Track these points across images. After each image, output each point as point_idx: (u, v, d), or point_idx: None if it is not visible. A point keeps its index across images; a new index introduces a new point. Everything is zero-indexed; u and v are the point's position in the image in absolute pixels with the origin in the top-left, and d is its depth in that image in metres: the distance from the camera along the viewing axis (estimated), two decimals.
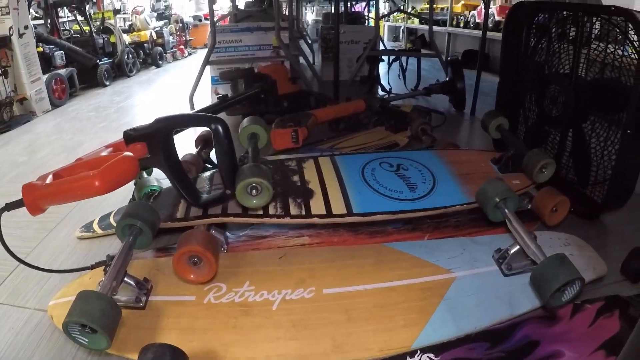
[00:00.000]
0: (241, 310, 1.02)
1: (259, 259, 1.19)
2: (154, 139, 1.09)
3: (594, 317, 1.00)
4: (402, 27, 8.26)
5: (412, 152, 1.48)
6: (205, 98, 3.26)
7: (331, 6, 7.16)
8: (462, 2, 5.82)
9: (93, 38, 4.55)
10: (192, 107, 3.07)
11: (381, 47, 4.65)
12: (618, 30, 1.32)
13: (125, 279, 1.00)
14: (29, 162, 2.32)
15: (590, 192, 1.50)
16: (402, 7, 7.13)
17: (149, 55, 5.94)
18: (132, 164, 1.01)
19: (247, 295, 1.05)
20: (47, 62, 3.77)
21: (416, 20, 7.35)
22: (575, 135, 1.53)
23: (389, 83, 3.64)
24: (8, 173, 2.15)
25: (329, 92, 2.81)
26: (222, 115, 2.31)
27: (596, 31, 1.44)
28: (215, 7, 3.38)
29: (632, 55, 1.25)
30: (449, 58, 3.40)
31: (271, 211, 1.16)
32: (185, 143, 1.74)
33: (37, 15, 4.67)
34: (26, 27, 3.25)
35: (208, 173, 1.38)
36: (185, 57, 7.28)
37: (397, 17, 8.43)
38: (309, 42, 6.01)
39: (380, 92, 3.54)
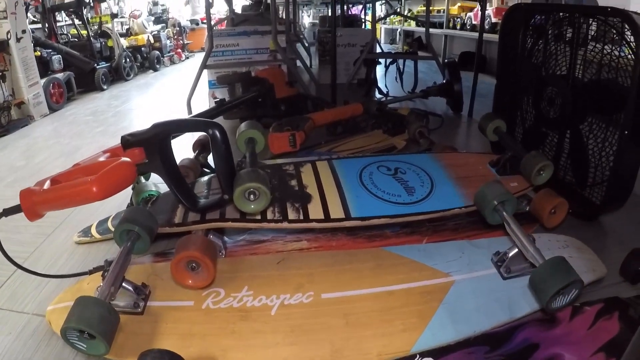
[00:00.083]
0: (240, 316, 1.01)
1: (257, 263, 1.19)
2: (152, 144, 1.09)
3: (594, 319, 1.00)
4: (399, 30, 8.28)
5: (409, 156, 1.48)
6: (202, 102, 3.26)
7: (328, 9, 7.17)
8: (459, 4, 5.84)
9: (90, 42, 4.55)
10: (190, 111, 3.08)
11: (378, 50, 4.66)
12: (614, 31, 1.32)
13: (124, 284, 1.00)
14: (26, 166, 2.31)
15: (588, 194, 1.50)
16: (398, 10, 7.13)
17: (147, 59, 5.94)
18: (130, 169, 1.01)
19: (245, 300, 1.05)
20: (44, 66, 3.77)
21: (413, 23, 7.37)
22: (573, 137, 1.53)
23: (386, 86, 3.64)
24: (6, 177, 2.14)
25: (327, 95, 2.81)
26: (220, 119, 2.32)
27: (593, 32, 1.44)
28: (212, 10, 3.39)
29: (629, 56, 1.25)
30: (445, 60, 3.40)
31: (269, 216, 1.15)
32: (182, 147, 1.74)
33: (35, 19, 4.66)
34: (24, 32, 3.24)
35: (206, 178, 1.37)
36: (183, 60, 7.28)
37: (394, 20, 8.45)
38: (306, 45, 6.01)
39: (378, 95, 3.54)
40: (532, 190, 1.36)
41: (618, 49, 1.31)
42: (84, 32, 4.67)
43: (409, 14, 7.41)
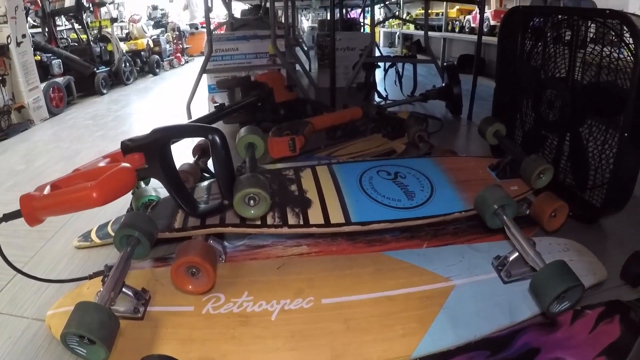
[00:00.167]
0: (240, 321, 1.01)
1: (257, 268, 1.19)
2: (152, 150, 1.09)
3: (595, 323, 0.99)
4: (398, 33, 8.31)
5: (409, 160, 1.48)
6: (202, 106, 3.26)
7: (327, 13, 7.19)
8: (457, 7, 5.85)
9: (90, 46, 4.56)
10: (190, 115, 3.08)
11: (377, 53, 4.66)
12: (613, 33, 1.32)
13: (123, 289, 1.00)
14: (26, 170, 2.31)
15: (588, 196, 1.50)
16: (397, 14, 7.14)
17: (146, 63, 5.95)
18: (130, 175, 1.01)
19: (245, 305, 1.05)
20: (44, 71, 3.78)
21: (412, 26, 7.40)
22: (573, 139, 1.53)
23: (385, 89, 3.65)
24: (5, 182, 2.14)
25: (326, 99, 2.81)
26: (219, 123, 2.32)
27: (591, 34, 1.44)
28: (211, 15, 3.39)
29: (628, 58, 1.25)
30: (444, 63, 3.40)
31: (269, 221, 1.15)
32: (182, 152, 1.74)
33: (35, 23, 4.67)
34: (24, 36, 3.25)
35: (206, 183, 1.37)
36: (182, 65, 7.30)
37: (393, 23, 8.46)
38: (305, 49, 6.02)
39: (377, 99, 3.54)
40: (532, 193, 1.36)
41: (617, 50, 1.31)
42: (83, 37, 4.68)
43: (407, 18, 7.42)
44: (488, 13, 4.56)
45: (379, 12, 8.26)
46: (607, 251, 1.35)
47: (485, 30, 4.43)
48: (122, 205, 1.51)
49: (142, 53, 5.84)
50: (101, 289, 0.96)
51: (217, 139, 1.07)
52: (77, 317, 0.83)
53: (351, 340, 0.96)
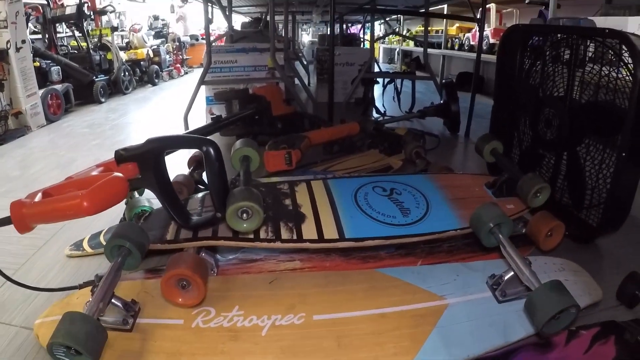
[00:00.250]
0: (229, 335, 0.99)
1: (249, 283, 1.17)
2: (145, 160, 1.08)
3: (590, 344, 0.99)
4: (397, 50, 8.36)
5: (405, 176, 1.47)
6: (200, 118, 3.26)
7: (327, 28, 7.22)
8: (457, 24, 5.89)
9: (90, 54, 4.58)
10: (187, 126, 3.07)
11: (376, 69, 4.68)
12: (612, 53, 1.32)
13: (113, 300, 0.98)
14: (21, 177, 2.30)
15: (585, 216, 1.49)
16: (397, 30, 7.19)
17: (145, 73, 5.96)
18: (122, 184, 1.00)
19: (236, 320, 1.03)
20: (43, 77, 3.79)
21: (411, 43, 7.44)
22: (570, 159, 1.53)
23: (383, 105, 3.66)
24: (0, 187, 2.13)
25: (324, 114, 2.82)
26: (216, 135, 2.32)
27: (590, 54, 1.45)
28: (211, 27, 3.40)
29: (627, 77, 1.25)
30: (443, 81, 3.41)
31: (262, 235, 1.14)
32: (178, 164, 1.73)
33: (36, 30, 4.69)
34: (23, 42, 3.26)
35: (200, 195, 1.36)
36: (182, 76, 7.32)
37: (392, 40, 8.52)
38: (305, 63, 6.05)
39: (375, 115, 3.55)
40: (528, 212, 1.36)
41: (616, 70, 1.31)
42: (83, 44, 4.70)
43: (407, 34, 7.47)
44: (487, 31, 4.59)
45: (379, 28, 8.32)
46: (603, 271, 1.35)
47: (485, 48, 4.46)
48: (115, 215, 1.50)
49: (142, 63, 5.86)
50: (90, 299, 0.95)
51: (211, 150, 1.06)
52: (64, 328, 0.82)
53: (342, 358, 0.94)
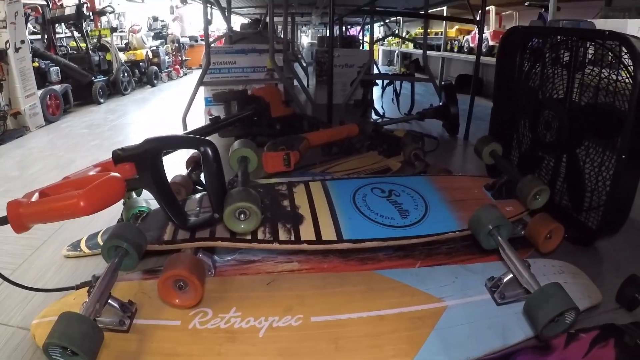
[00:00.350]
0: (227, 337, 0.99)
1: (246, 284, 1.17)
2: (143, 160, 1.08)
3: (589, 347, 0.98)
4: (397, 52, 8.37)
5: (404, 178, 1.47)
6: (198, 119, 3.26)
7: (326, 30, 7.23)
8: (456, 27, 5.90)
9: (89, 55, 4.57)
10: (185, 127, 3.07)
11: (375, 71, 4.68)
12: (612, 55, 1.32)
13: (109, 301, 0.98)
14: (20, 177, 2.29)
15: (584, 218, 1.49)
16: (396, 32, 7.20)
17: (145, 74, 5.96)
18: (119, 184, 0.99)
19: (233, 321, 1.02)
20: (42, 78, 3.78)
21: (410, 45, 7.45)
22: (570, 161, 1.52)
23: (382, 107, 3.66)
24: None
25: (323, 115, 2.81)
26: (215, 136, 2.31)
27: (590, 56, 1.44)
28: (211, 28, 3.40)
29: (626, 80, 1.25)
30: (442, 83, 3.41)
31: (260, 236, 1.14)
32: (176, 164, 1.73)
33: (35, 30, 4.68)
34: (23, 42, 3.25)
35: (198, 195, 1.36)
36: (181, 77, 7.32)
37: (392, 42, 8.53)
38: (304, 65, 6.05)
39: (374, 116, 3.55)
40: (527, 214, 1.35)
41: (615, 72, 1.31)
42: (83, 45, 4.69)
43: (407, 36, 7.48)
44: (487, 33, 4.59)
45: (379, 30, 8.32)
46: (603, 274, 1.34)
47: (484, 50, 4.46)
48: (113, 215, 1.50)
49: (141, 64, 5.86)
50: (87, 300, 0.94)
51: (209, 151, 1.06)
52: (60, 328, 0.81)
53: None
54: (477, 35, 3.39)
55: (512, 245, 1.09)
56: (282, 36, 4.48)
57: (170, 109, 4.31)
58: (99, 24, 5.68)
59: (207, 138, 1.13)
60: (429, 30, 5.22)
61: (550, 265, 1.24)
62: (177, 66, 7.42)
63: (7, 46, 3.12)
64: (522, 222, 1.38)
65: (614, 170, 1.31)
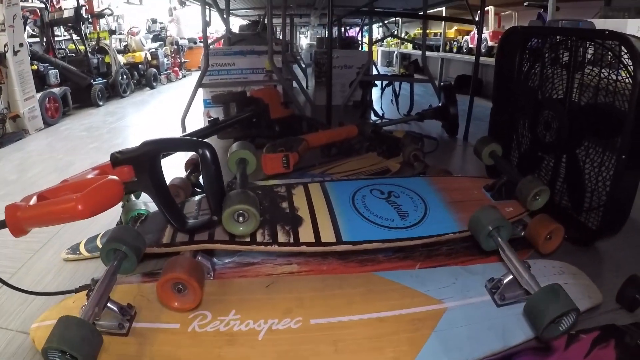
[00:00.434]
0: (226, 340, 0.99)
1: (246, 286, 1.16)
2: (141, 162, 1.08)
3: (590, 348, 0.98)
4: (396, 52, 8.37)
5: (403, 179, 1.47)
6: (197, 121, 3.25)
7: (325, 31, 7.23)
8: (455, 27, 5.90)
9: (88, 58, 4.57)
10: (184, 129, 3.07)
11: (374, 72, 4.68)
12: (611, 55, 1.32)
13: (108, 304, 0.98)
14: (18, 180, 2.29)
15: (584, 219, 1.48)
16: (395, 33, 7.20)
17: (143, 76, 5.97)
18: (117, 187, 0.99)
19: (232, 324, 1.02)
20: (41, 81, 3.78)
21: (409, 46, 7.45)
22: (569, 161, 1.52)
23: (381, 108, 3.65)
24: None
25: (322, 116, 2.81)
26: (214, 138, 2.31)
27: (589, 56, 1.44)
28: (209, 30, 3.40)
29: (626, 80, 1.25)
30: (441, 83, 3.42)
31: (259, 238, 1.13)
32: (175, 166, 1.73)
33: (34, 33, 4.68)
34: (21, 45, 3.25)
35: (197, 198, 1.36)
36: (180, 79, 7.32)
37: (391, 42, 8.54)
38: (303, 66, 6.05)
39: (373, 117, 3.55)
40: (527, 215, 1.35)
41: (615, 72, 1.31)
42: (81, 48, 4.69)
43: (405, 37, 7.48)
44: (486, 34, 4.59)
45: (378, 31, 8.33)
46: (603, 274, 1.34)
47: (483, 50, 4.46)
48: (112, 218, 1.50)
49: (140, 66, 5.86)
50: (86, 303, 0.94)
51: (207, 153, 1.06)
52: (59, 332, 0.81)
53: None
54: (476, 36, 3.39)
55: (512, 246, 1.08)
56: (280, 37, 4.48)
57: (169, 111, 4.31)
58: (98, 26, 5.68)
59: (205, 140, 1.13)
60: (428, 31, 5.22)
61: (550, 266, 1.23)
62: (176, 68, 7.42)
63: (6, 49, 3.12)
64: (522, 222, 1.38)
65: (614, 171, 1.31)
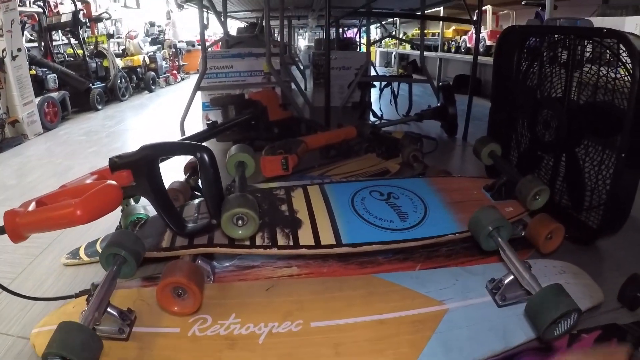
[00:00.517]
0: (226, 344, 0.98)
1: (245, 290, 1.16)
2: (139, 167, 1.08)
3: (591, 347, 0.97)
4: (394, 53, 8.38)
5: (403, 180, 1.46)
6: (196, 124, 3.25)
7: (323, 32, 7.25)
8: (453, 27, 5.90)
9: (86, 62, 4.57)
10: (183, 133, 3.06)
11: (373, 72, 4.68)
12: (610, 53, 1.31)
13: (108, 309, 0.97)
14: (18, 185, 2.29)
15: (585, 218, 1.48)
16: (393, 33, 7.20)
17: (142, 79, 5.97)
18: (115, 192, 0.99)
19: (232, 328, 1.02)
20: (39, 85, 3.79)
21: (408, 46, 7.46)
22: (569, 160, 1.52)
23: (380, 109, 3.65)
24: None
25: (321, 118, 2.81)
26: (212, 141, 2.31)
27: (588, 54, 1.44)
28: (207, 32, 3.40)
29: (625, 78, 1.24)
30: (440, 83, 3.42)
31: (258, 242, 1.13)
32: (174, 169, 1.73)
33: (32, 38, 4.69)
34: (19, 50, 3.26)
35: (196, 201, 1.35)
36: (178, 82, 7.32)
37: (389, 43, 8.54)
38: (301, 68, 6.05)
39: (372, 118, 3.54)
40: (527, 215, 1.34)
41: (614, 70, 1.31)
42: (80, 52, 4.69)
43: (404, 37, 7.48)
44: (484, 33, 4.59)
45: (376, 32, 8.33)
46: (604, 273, 1.34)
47: (481, 50, 4.46)
48: (111, 222, 1.50)
49: (138, 69, 5.87)
50: (86, 308, 0.94)
51: (206, 157, 1.05)
52: (59, 338, 0.81)
53: None
54: (474, 35, 3.39)
55: (513, 246, 1.08)
56: (278, 39, 4.48)
57: (168, 114, 4.31)
58: (96, 30, 5.69)
59: (204, 144, 1.12)
60: (426, 31, 5.21)
61: (551, 265, 1.23)
62: (175, 71, 7.42)
63: (4, 54, 3.12)
64: (522, 222, 1.37)
65: (614, 169, 1.31)
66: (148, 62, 6.21)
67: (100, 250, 1.38)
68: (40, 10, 4.41)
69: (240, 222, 1.04)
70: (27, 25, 4.41)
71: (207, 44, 3.28)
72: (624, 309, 1.15)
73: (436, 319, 1.03)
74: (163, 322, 1.04)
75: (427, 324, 1.01)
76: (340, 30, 6.80)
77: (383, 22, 6.67)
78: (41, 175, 2.43)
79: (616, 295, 1.17)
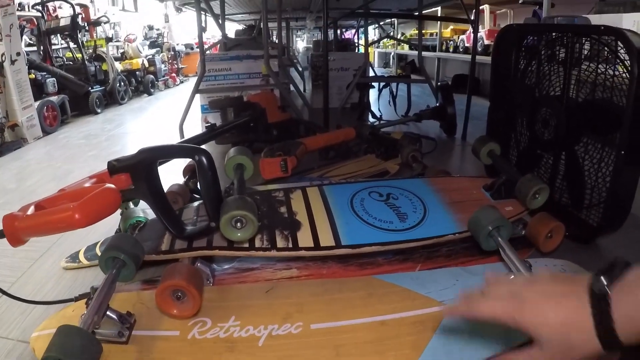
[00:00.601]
0: (226, 346, 0.98)
1: (245, 292, 1.16)
2: (138, 170, 1.08)
3: None
4: (392, 53, 8.39)
5: (402, 181, 1.46)
6: (195, 127, 3.25)
7: (321, 34, 7.26)
8: (451, 27, 5.91)
9: (85, 65, 4.57)
10: (182, 135, 3.07)
11: (371, 73, 4.68)
12: (608, 50, 1.31)
13: (108, 312, 0.97)
14: (17, 189, 2.29)
15: (585, 216, 1.48)
16: (391, 34, 7.20)
17: (141, 83, 5.97)
18: (114, 196, 0.99)
19: (232, 330, 1.01)
20: (39, 89, 3.79)
21: (406, 46, 7.47)
22: (568, 158, 1.52)
23: (379, 109, 3.65)
24: None
25: (320, 120, 2.81)
26: (211, 144, 2.31)
27: (586, 51, 1.44)
28: (206, 35, 3.40)
29: (623, 75, 1.24)
30: (439, 83, 3.42)
31: (257, 244, 1.13)
32: (174, 172, 1.73)
33: (31, 42, 4.69)
34: (18, 54, 3.26)
35: (195, 204, 1.35)
36: (177, 85, 7.33)
37: (387, 44, 8.55)
38: (300, 69, 6.05)
39: (371, 119, 3.54)
40: (527, 214, 1.34)
41: (612, 67, 1.30)
42: (79, 56, 4.70)
43: (402, 38, 7.48)
44: (482, 32, 4.59)
45: (373, 33, 8.34)
46: None
47: (479, 49, 4.46)
48: (111, 225, 1.50)
49: (137, 73, 5.87)
50: (85, 312, 0.94)
51: (204, 159, 1.05)
52: (58, 341, 0.81)
53: None
54: (472, 35, 3.39)
55: (513, 245, 1.07)
56: (277, 41, 4.48)
57: (167, 117, 4.31)
58: (95, 34, 5.69)
59: (202, 147, 1.12)
60: (423, 31, 5.21)
61: (552, 264, 1.22)
62: (174, 74, 7.43)
63: (3, 58, 3.13)
64: (522, 221, 1.37)
65: (614, 166, 1.31)
66: (147, 65, 6.21)
67: (99, 254, 1.38)
68: (39, 14, 4.42)
69: (239, 224, 1.03)
70: (26, 30, 4.42)
71: (206, 46, 3.27)
72: None
73: (437, 319, 1.02)
74: (162, 325, 1.04)
75: (427, 325, 1.01)
76: (338, 31, 6.81)
77: (381, 23, 6.68)
78: (40, 179, 2.43)
79: None
